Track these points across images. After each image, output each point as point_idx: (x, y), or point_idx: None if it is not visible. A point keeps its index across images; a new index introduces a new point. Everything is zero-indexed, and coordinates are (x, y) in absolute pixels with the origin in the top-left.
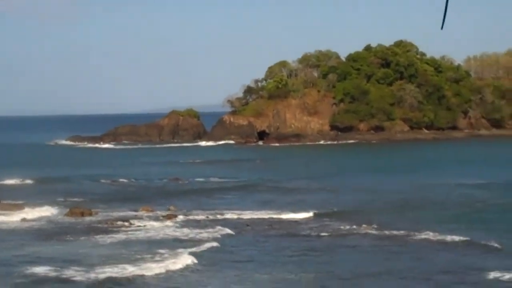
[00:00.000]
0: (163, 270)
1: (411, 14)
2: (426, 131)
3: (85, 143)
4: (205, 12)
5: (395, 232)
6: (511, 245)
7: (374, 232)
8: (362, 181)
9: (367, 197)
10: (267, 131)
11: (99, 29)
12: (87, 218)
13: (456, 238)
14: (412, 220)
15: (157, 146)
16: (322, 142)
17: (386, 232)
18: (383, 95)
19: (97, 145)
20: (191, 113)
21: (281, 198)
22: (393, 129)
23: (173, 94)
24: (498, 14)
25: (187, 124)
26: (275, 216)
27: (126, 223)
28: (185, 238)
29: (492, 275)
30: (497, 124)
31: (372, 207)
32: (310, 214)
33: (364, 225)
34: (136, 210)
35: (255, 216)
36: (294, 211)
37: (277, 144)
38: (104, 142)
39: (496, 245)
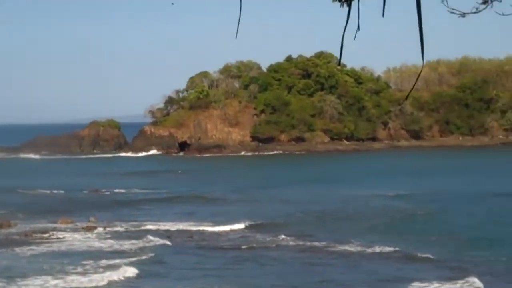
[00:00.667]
0: (86, 284)
1: (331, 25)
2: (346, 142)
3: (3, 153)
4: (126, 21)
5: (316, 244)
6: (431, 255)
7: (295, 243)
8: (283, 193)
9: (288, 208)
10: (188, 142)
11: (20, 34)
12: (6, 230)
13: (377, 249)
14: (332, 231)
15: (78, 157)
16: (243, 153)
17: (307, 244)
18: (304, 106)
19: (15, 155)
20: (112, 124)
21: (203, 209)
22: (314, 140)
23: (93, 105)
24: (417, 26)
25: (108, 135)
26: (196, 228)
27: (46, 235)
28: (106, 250)
29: (412, 285)
30: (416, 135)
31: (292, 218)
32: (231, 226)
33: (285, 237)
34: (55, 222)
35: (177, 228)
36: (215, 222)
37: (198, 155)
38: (23, 153)
39: (415, 255)
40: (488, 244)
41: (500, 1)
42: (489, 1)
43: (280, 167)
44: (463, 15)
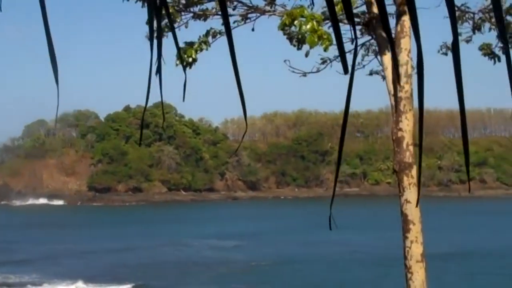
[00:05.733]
0: None
1: (170, 76)
2: (184, 192)
3: None
4: None
5: None
6: None
7: None
8: (116, 244)
9: (123, 260)
10: (23, 191)
11: None
12: None
13: None
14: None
15: None
16: (79, 203)
17: None
18: (142, 156)
19: None
20: None
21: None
22: (151, 190)
23: None
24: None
25: None
26: None
27: None
28: None
29: None
30: (253, 186)
31: (128, 268)
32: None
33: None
34: None
35: None
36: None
37: (32, 204)
38: None
39: None
40: None
41: (339, 62)
42: (328, 61)
43: (116, 218)
44: (304, 74)
